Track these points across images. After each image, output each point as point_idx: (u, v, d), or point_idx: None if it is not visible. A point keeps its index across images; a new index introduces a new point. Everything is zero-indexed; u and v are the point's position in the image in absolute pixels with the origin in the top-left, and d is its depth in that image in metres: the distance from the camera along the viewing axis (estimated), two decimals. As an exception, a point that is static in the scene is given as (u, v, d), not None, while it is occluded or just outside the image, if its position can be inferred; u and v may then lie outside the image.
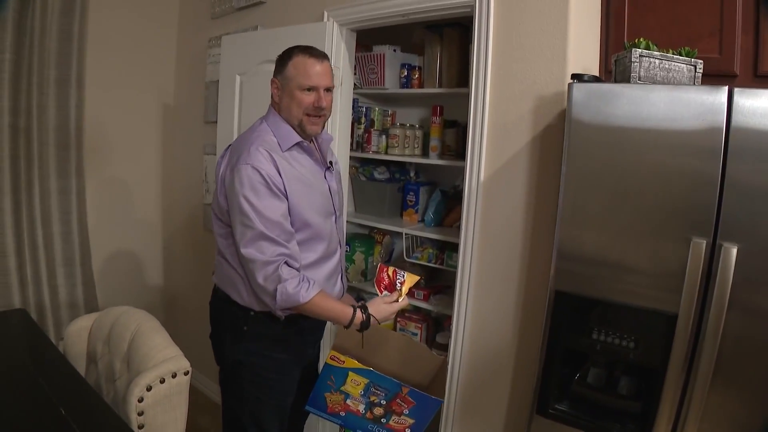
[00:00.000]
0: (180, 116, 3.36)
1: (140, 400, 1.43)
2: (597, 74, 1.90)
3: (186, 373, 1.52)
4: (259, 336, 1.72)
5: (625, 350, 1.49)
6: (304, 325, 1.77)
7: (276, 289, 1.56)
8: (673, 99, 1.38)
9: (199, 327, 3.11)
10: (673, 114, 1.38)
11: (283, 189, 1.59)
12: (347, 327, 1.67)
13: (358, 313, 1.67)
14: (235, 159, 1.59)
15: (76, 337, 1.85)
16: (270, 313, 1.68)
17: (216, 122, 2.78)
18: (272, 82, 1.72)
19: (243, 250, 1.57)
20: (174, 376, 1.49)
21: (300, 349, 1.83)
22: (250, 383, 1.74)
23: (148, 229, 3.43)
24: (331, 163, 1.85)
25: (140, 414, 1.44)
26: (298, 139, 1.68)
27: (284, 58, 1.68)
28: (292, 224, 1.63)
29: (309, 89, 1.65)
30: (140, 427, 1.45)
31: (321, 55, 1.69)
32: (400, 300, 1.78)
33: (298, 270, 1.61)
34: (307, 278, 1.61)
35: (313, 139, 1.77)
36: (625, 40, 1.90)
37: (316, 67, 1.65)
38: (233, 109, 2.62)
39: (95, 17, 2.92)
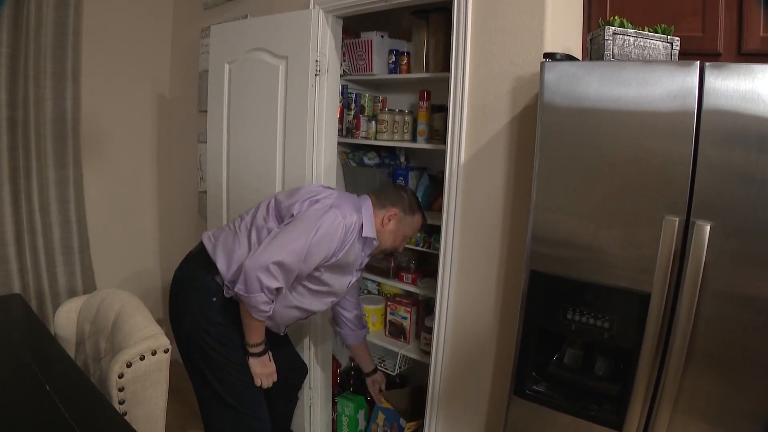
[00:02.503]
0: (175, 106, 3.40)
1: (120, 377, 1.47)
2: (579, 54, 1.89)
3: (166, 351, 1.55)
4: (226, 308, 1.83)
5: (600, 330, 1.48)
6: None
7: (260, 291, 1.71)
8: (644, 75, 1.36)
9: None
10: (644, 89, 1.36)
11: (338, 251, 1.83)
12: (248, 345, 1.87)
13: (260, 349, 1.88)
14: (336, 203, 1.86)
15: (66, 318, 1.90)
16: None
17: (209, 111, 2.80)
18: (393, 210, 1.98)
19: (272, 249, 1.72)
20: (154, 353, 1.52)
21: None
22: (214, 349, 1.84)
23: (145, 217, 3.48)
24: (363, 264, 2.09)
25: (121, 390, 1.48)
26: (373, 236, 1.95)
27: (414, 209, 2.03)
28: (315, 277, 1.89)
29: (405, 237, 2.04)
30: (121, 402, 1.49)
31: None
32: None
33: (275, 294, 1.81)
34: (272, 308, 1.81)
35: None
36: (608, 20, 1.91)
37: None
38: (222, 97, 2.64)
39: (90, 10, 2.95)
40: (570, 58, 1.54)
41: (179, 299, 1.93)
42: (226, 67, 2.61)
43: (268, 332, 1.95)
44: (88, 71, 2.99)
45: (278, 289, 1.77)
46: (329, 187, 2.02)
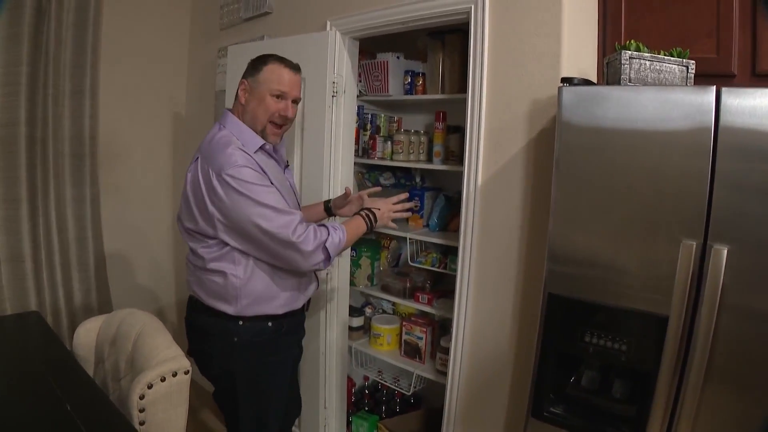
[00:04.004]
0: (191, 125, 3.44)
1: (141, 398, 1.48)
2: (595, 77, 1.91)
3: (186, 372, 1.56)
4: (250, 344, 1.74)
5: (617, 353, 1.48)
6: (289, 326, 1.82)
7: (325, 248, 1.63)
8: (662, 100, 1.38)
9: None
10: (662, 115, 1.38)
11: (269, 181, 1.64)
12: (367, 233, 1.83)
13: (369, 220, 1.81)
14: (216, 169, 1.57)
15: (85, 337, 1.92)
16: (259, 319, 1.72)
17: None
18: (241, 83, 1.72)
19: (271, 233, 1.57)
20: (174, 375, 1.53)
21: (287, 349, 1.87)
22: (246, 391, 1.76)
23: (160, 235, 3.51)
24: (287, 162, 1.90)
25: (141, 411, 1.49)
26: (262, 141, 1.70)
27: (258, 63, 1.71)
28: None
29: (279, 96, 1.69)
30: (141, 423, 1.50)
31: (295, 67, 1.74)
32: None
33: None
34: (328, 225, 1.70)
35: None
36: (622, 43, 1.92)
37: (290, 77, 1.71)
38: (240, 117, 2.67)
39: (108, 30, 3.01)
40: (587, 82, 1.55)
41: (201, 351, 1.81)
42: (243, 87, 2.65)
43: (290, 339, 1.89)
44: (106, 89, 3.03)
45: (316, 232, 1.63)
46: (195, 159, 1.69)
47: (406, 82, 2.60)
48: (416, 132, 2.65)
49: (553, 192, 1.55)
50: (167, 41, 3.36)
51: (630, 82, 1.52)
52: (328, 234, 1.66)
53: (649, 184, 1.42)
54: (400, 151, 2.60)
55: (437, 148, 2.50)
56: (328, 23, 2.40)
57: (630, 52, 1.52)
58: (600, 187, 1.49)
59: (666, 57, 1.55)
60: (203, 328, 1.78)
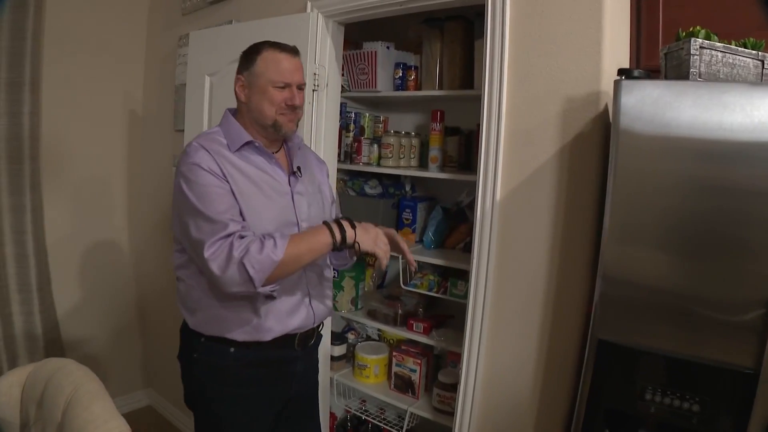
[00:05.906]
0: (148, 124, 3.03)
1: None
2: (629, 72, 1.63)
3: (132, 453, 1.19)
4: (210, 367, 1.52)
5: (687, 414, 1.21)
6: (256, 359, 1.51)
7: (242, 266, 1.31)
8: (753, 102, 1.11)
9: (176, 353, 2.75)
10: (753, 121, 1.12)
11: (227, 184, 1.43)
12: (336, 249, 1.44)
13: (335, 229, 1.42)
14: (177, 165, 1.47)
15: (7, 395, 1.50)
16: (220, 341, 1.49)
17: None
18: (237, 80, 1.55)
19: (194, 243, 1.37)
20: (118, 457, 1.16)
21: (259, 384, 1.53)
22: (203, 418, 1.58)
23: (115, 249, 3.08)
24: (299, 168, 1.60)
25: None
26: (247, 138, 1.51)
27: (251, 54, 1.53)
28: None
29: (282, 86, 1.50)
30: None
31: (292, 50, 1.56)
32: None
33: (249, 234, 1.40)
34: (263, 235, 1.38)
35: (284, 144, 1.63)
36: (661, 34, 1.65)
37: (289, 62, 1.52)
38: (202, 114, 2.30)
39: (53, 13, 2.59)
40: (648, 75, 1.25)
41: (180, 359, 1.66)
42: (207, 79, 2.27)
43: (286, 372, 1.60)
44: (50, 82, 2.62)
45: (232, 245, 1.33)
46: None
47: (397, 76, 2.27)
48: (407, 134, 2.33)
49: (607, 218, 1.24)
50: (121, 28, 2.92)
51: (700, 77, 1.23)
52: (252, 246, 1.33)
53: (733, 205, 1.16)
54: (390, 155, 2.27)
55: (434, 152, 2.18)
56: (309, 4, 2.04)
57: (700, 40, 1.23)
58: (667, 207, 1.21)
59: (739, 48, 1.27)
60: (180, 337, 1.64)
